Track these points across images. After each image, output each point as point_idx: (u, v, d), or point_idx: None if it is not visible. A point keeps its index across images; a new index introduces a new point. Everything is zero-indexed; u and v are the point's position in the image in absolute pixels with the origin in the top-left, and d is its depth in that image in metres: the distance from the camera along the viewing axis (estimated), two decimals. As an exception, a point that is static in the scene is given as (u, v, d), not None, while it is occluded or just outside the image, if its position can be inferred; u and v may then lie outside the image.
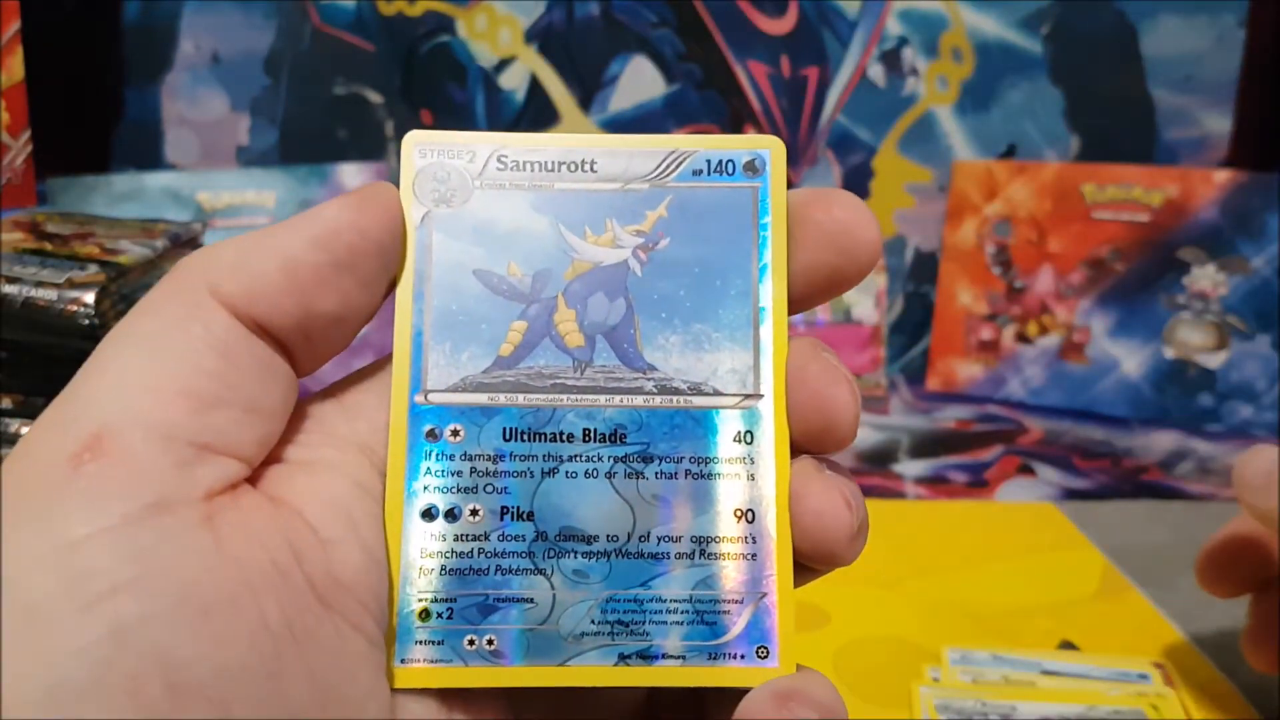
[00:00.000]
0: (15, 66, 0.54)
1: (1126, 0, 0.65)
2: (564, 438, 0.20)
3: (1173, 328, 0.64)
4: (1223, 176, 0.63)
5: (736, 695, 0.19)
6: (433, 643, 0.19)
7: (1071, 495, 0.60)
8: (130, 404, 0.17)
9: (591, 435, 0.20)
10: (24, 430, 0.39)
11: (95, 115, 0.66)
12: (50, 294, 0.38)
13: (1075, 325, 0.66)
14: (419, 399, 0.20)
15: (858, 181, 0.68)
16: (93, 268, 0.39)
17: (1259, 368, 0.63)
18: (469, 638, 0.20)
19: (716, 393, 0.21)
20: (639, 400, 0.20)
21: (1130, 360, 0.65)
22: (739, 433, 0.20)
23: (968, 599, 0.46)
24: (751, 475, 0.20)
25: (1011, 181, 0.66)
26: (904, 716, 0.38)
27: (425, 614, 0.20)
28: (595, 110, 0.67)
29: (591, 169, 0.21)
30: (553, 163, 0.21)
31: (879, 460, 0.62)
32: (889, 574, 0.48)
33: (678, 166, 0.21)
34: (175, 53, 0.66)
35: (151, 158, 0.67)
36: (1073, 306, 0.66)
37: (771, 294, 0.21)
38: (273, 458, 0.19)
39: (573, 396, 0.20)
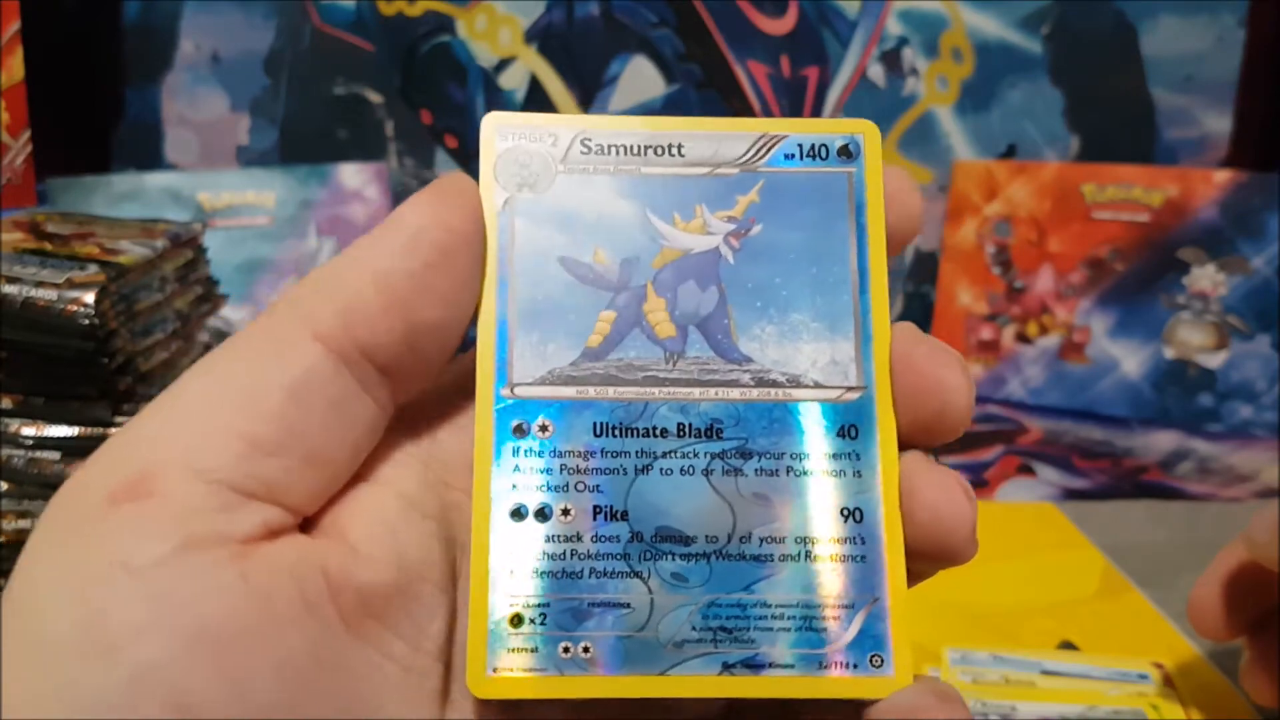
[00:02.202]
0: (15, 66, 0.54)
1: (1126, 0, 0.65)
2: (657, 433, 0.19)
3: (1173, 328, 0.64)
4: (1223, 176, 0.63)
5: (838, 706, 0.18)
6: (526, 650, 0.18)
7: (1071, 495, 0.60)
8: (181, 445, 0.17)
9: (686, 430, 0.19)
10: (24, 430, 0.39)
11: (95, 115, 0.66)
12: (50, 294, 0.38)
13: (1075, 325, 0.66)
14: (505, 392, 0.19)
15: (858, 181, 0.68)
16: (93, 268, 0.39)
17: (1259, 368, 0.63)
18: (564, 645, 0.18)
19: (817, 385, 0.19)
20: (735, 394, 0.19)
21: (1130, 360, 0.65)
22: (843, 427, 0.19)
23: (968, 599, 0.46)
24: (858, 471, 0.19)
25: (1011, 181, 0.66)
26: (904, 716, 0.38)
27: (517, 619, 0.18)
28: (595, 110, 0.67)
29: (679, 153, 0.20)
30: (638, 146, 0.20)
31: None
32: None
33: (769, 151, 0.20)
34: (175, 53, 0.66)
35: (151, 158, 0.66)
36: (1073, 306, 0.66)
37: (871, 281, 0.20)
38: None
39: (665, 390, 0.19)
